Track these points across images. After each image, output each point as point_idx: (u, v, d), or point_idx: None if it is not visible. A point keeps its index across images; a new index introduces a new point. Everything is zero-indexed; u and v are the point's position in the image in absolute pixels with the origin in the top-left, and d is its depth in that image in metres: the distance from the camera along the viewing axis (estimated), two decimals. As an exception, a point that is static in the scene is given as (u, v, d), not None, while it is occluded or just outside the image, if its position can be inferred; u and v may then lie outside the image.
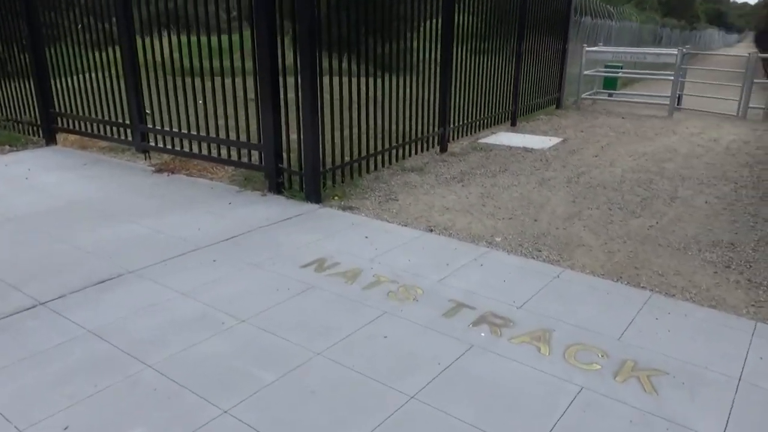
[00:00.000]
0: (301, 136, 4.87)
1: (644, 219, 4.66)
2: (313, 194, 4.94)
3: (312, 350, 2.70)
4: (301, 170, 5.00)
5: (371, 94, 5.40)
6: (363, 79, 5.26)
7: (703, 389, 2.49)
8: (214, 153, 5.60)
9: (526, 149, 7.18)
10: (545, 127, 8.82)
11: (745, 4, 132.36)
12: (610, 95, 12.04)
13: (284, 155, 5.06)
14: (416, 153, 6.47)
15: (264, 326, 2.90)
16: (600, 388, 2.46)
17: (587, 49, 10.80)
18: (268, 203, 4.88)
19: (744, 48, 55.52)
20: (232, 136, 5.35)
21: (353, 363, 2.60)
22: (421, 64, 6.12)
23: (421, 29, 5.97)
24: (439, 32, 6.36)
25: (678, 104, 10.63)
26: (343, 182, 5.33)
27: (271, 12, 4.69)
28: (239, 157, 5.42)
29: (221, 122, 5.36)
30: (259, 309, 3.07)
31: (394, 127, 5.88)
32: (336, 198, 5.05)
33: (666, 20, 34.07)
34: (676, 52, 9.97)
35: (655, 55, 10.62)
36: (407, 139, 6.18)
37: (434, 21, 6.20)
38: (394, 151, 6.01)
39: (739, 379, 2.56)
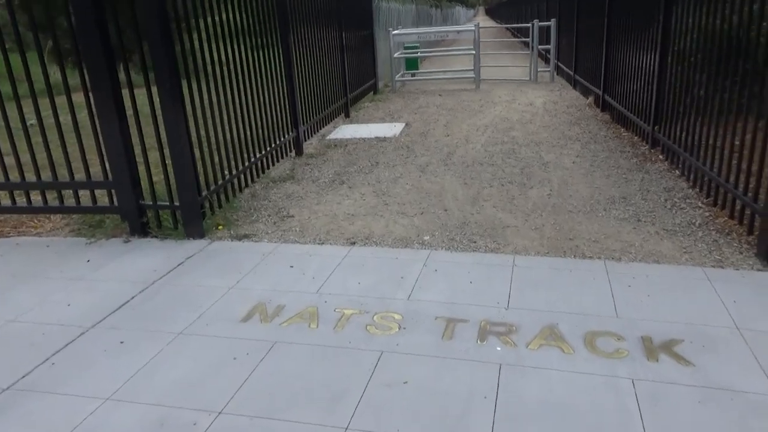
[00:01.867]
0: (169, 160, 4.02)
1: (538, 189, 4.79)
2: (195, 228, 4.14)
3: (338, 426, 2.15)
4: (173, 202, 4.15)
5: (223, 102, 4.68)
6: (214, 88, 4.54)
7: (721, 347, 2.53)
8: (38, 202, 4.41)
9: (379, 138, 7.01)
10: (379, 114, 8.76)
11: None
12: (413, 75, 12.51)
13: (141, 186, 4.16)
14: (278, 161, 5.89)
15: (254, 411, 2.25)
16: (647, 374, 2.36)
17: (393, 32, 10.99)
18: (140, 250, 3.96)
19: (482, 20, 62.56)
20: (61, 174, 4.26)
21: (398, 427, 2.13)
22: (269, 66, 5.52)
23: (266, 29, 5.36)
24: (279, 32, 5.80)
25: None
26: (220, 207, 4.57)
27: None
28: (77, 200, 4.34)
29: (40, 158, 4.22)
30: (231, 390, 2.39)
31: (254, 136, 5.23)
32: (221, 227, 4.30)
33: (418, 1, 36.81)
34: (473, 29, 10.63)
35: (455, 32, 11.21)
36: (269, 148, 5.56)
37: (272, 21, 5.63)
38: (259, 163, 5.36)
39: (738, 328, 2.66)
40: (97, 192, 4.37)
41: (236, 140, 4.84)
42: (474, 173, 5.31)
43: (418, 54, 12.43)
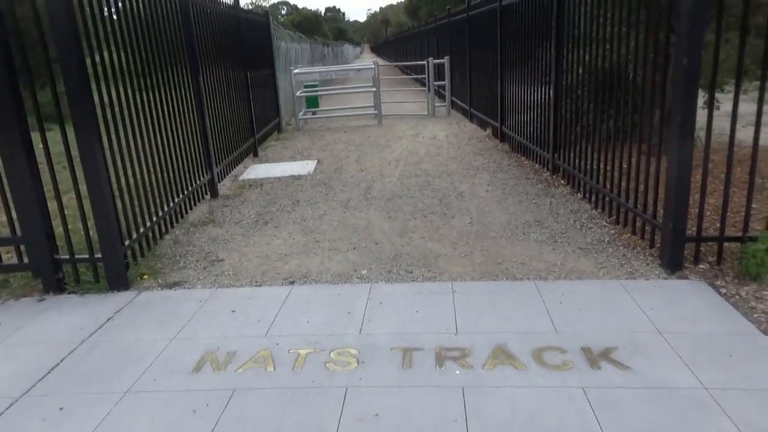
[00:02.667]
0: (87, 207, 3.82)
1: (459, 218, 5.04)
2: (120, 281, 3.93)
3: (319, 467, 2.14)
4: (93, 254, 3.93)
5: (140, 145, 4.52)
6: (130, 130, 4.40)
7: (650, 350, 2.81)
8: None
9: (294, 177, 7.03)
10: (288, 152, 8.78)
11: (357, 21, 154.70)
12: (314, 113, 12.67)
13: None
14: (195, 204, 5.73)
15: (228, 465, 2.19)
16: (595, 381, 2.57)
17: (295, 71, 11.11)
18: (59, 308, 3.70)
19: (368, 57, 64.65)
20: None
21: (378, 460, 2.16)
22: (182, 107, 5.42)
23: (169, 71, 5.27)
24: (190, 72, 5.72)
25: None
26: (143, 256, 4.37)
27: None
28: (-22, 259, 3.99)
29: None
30: (198, 446, 2.30)
31: (172, 179, 5.08)
32: (146, 277, 4.12)
33: (307, 38, 37.55)
34: (372, 66, 11.02)
35: (355, 70, 11.54)
36: (186, 191, 5.41)
37: (182, 60, 5.55)
38: (178, 207, 5.20)
39: (660, 332, 2.98)
40: (1, 249, 4.03)
41: (155, 184, 4.68)
42: (396, 206, 5.49)
43: (318, 93, 12.64)
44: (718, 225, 3.84)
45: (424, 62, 12.17)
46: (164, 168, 4.90)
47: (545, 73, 6.15)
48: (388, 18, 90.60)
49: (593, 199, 5.04)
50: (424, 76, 12.57)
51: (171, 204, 5.00)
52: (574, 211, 5.00)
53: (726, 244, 3.76)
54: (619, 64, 4.47)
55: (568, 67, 5.54)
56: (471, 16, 9.88)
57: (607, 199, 4.73)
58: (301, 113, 11.71)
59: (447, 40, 12.49)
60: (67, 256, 3.94)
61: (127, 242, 4.06)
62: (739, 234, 3.74)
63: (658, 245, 3.92)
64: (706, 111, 3.62)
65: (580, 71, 5.31)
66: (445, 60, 11.54)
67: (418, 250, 4.32)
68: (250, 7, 43.24)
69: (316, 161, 7.89)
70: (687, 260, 3.74)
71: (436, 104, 12.03)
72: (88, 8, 3.81)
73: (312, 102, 12.76)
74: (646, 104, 4.15)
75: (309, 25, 65.93)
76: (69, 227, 3.93)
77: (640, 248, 4.09)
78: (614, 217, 4.60)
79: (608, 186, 4.67)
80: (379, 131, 10.21)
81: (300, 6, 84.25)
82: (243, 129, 7.90)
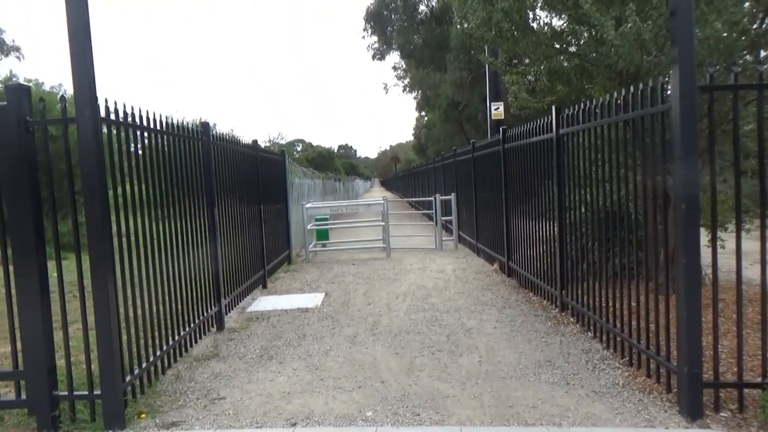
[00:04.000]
0: (93, 340, 3.79)
1: (468, 356, 4.93)
2: (117, 420, 3.80)
3: None
4: (93, 390, 3.83)
5: (151, 276, 4.59)
6: (143, 259, 4.49)
7: None
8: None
9: (301, 310, 7.00)
10: (297, 284, 8.83)
11: (367, 158, 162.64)
12: (324, 245, 12.90)
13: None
14: (200, 338, 5.68)
15: None
16: None
17: (307, 206, 11.50)
18: (51, 449, 3.54)
19: (378, 191, 67.04)
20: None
21: None
22: (195, 237, 5.57)
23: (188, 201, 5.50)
24: (206, 203, 5.96)
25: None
26: (143, 393, 4.25)
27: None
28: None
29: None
30: None
31: (179, 312, 5.08)
32: (143, 416, 3.97)
33: (320, 173, 39.34)
34: (382, 201, 11.40)
35: (365, 205, 11.92)
36: (193, 324, 5.39)
37: (200, 192, 5.81)
38: (183, 341, 5.15)
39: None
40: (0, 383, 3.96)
41: (162, 317, 4.68)
42: (403, 342, 5.40)
43: (328, 226, 12.97)
44: (735, 369, 3.72)
45: (432, 198, 12.59)
46: (173, 300, 4.93)
47: (549, 210, 6.34)
48: (397, 155, 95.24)
49: (604, 338, 4.95)
50: (431, 211, 12.95)
51: (177, 337, 4.96)
52: (585, 351, 4.88)
53: (746, 390, 3.62)
54: (620, 203, 4.62)
55: (571, 205, 5.72)
56: (476, 156, 10.38)
57: (618, 339, 4.64)
58: (311, 245, 11.93)
59: (453, 176, 13.03)
60: (66, 392, 3.85)
61: (128, 378, 3.98)
62: (759, 380, 3.62)
63: (675, 389, 3.78)
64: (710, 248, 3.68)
65: (583, 210, 5.48)
66: (452, 196, 11.94)
67: (426, 390, 4.19)
68: (268, 144, 45.84)
69: (324, 294, 7.90)
70: (707, 407, 3.59)
71: (444, 238, 12.25)
72: (116, 144, 4.07)
73: (322, 235, 13.05)
74: (650, 243, 4.22)
75: (322, 161, 69.14)
76: (72, 359, 3.87)
77: (657, 393, 3.94)
78: (627, 358, 4.49)
79: (619, 325, 4.61)
80: (388, 264, 10.31)
81: (314, 143, 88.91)
82: (254, 261, 8.02)
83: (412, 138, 55.56)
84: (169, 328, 4.82)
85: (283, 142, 69.45)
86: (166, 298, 4.80)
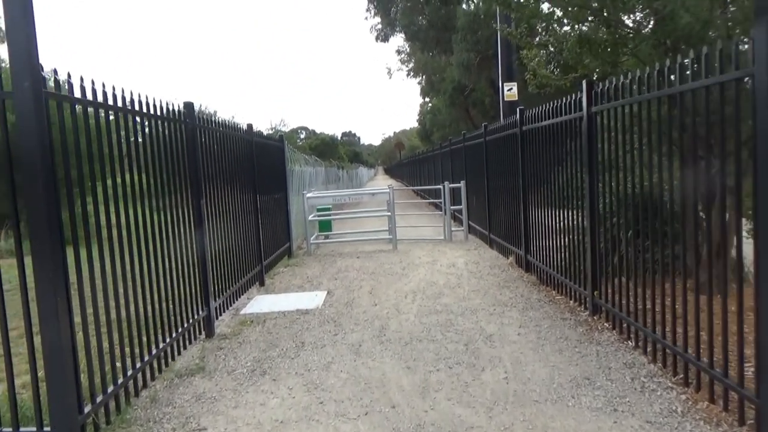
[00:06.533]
0: (40, 362, 3.11)
1: (491, 371, 4.24)
2: (72, 459, 3.13)
3: None
4: (42, 427, 3.16)
5: (120, 277, 3.91)
6: (109, 258, 3.80)
7: None
8: None
9: (300, 311, 6.33)
10: (297, 281, 8.15)
11: (371, 145, 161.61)
12: (326, 237, 12.21)
13: None
14: (185, 348, 5.01)
15: None
16: None
17: (308, 195, 10.79)
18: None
19: (381, 179, 66.18)
20: None
21: None
22: (178, 231, 4.88)
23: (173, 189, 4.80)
24: (190, 192, 5.27)
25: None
26: (108, 424, 3.58)
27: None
28: None
29: None
30: None
31: (157, 319, 4.41)
32: (107, 452, 3.31)
33: (323, 161, 38.65)
34: (387, 190, 10.67)
35: (370, 194, 11.21)
36: (175, 333, 4.72)
37: (182, 180, 5.11)
38: (162, 353, 4.48)
39: None
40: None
41: (135, 326, 4.00)
42: (415, 353, 4.71)
43: (331, 217, 12.27)
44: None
45: (440, 186, 11.86)
46: (152, 305, 4.25)
47: (577, 198, 5.62)
48: (402, 141, 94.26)
49: (648, 349, 4.25)
50: (439, 199, 12.23)
51: (154, 351, 4.29)
52: (628, 365, 4.19)
53: None
54: (673, 191, 3.90)
55: (609, 192, 4.99)
56: (488, 141, 9.64)
57: (668, 351, 3.95)
58: (312, 237, 11.25)
59: (462, 163, 12.27)
60: (10, 429, 3.18)
61: (87, 408, 3.30)
62: None
63: (752, 420, 3.09)
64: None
65: (620, 196, 4.74)
66: (462, 184, 11.21)
67: (445, 419, 3.50)
68: (270, 130, 44.97)
69: (325, 292, 7.22)
70: (796, 446, 2.89)
71: (453, 228, 11.54)
72: (69, 124, 3.38)
73: (325, 226, 12.36)
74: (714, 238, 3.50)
75: (326, 148, 68.32)
76: (19, 383, 3.20)
77: (727, 424, 3.24)
78: (682, 376, 3.79)
79: (669, 336, 3.90)
80: (394, 257, 9.62)
81: (318, 131, 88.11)
82: (249, 256, 7.34)
83: (416, 124, 54.58)
84: (144, 340, 4.15)
85: (286, 129, 68.67)
86: (140, 304, 4.13)
